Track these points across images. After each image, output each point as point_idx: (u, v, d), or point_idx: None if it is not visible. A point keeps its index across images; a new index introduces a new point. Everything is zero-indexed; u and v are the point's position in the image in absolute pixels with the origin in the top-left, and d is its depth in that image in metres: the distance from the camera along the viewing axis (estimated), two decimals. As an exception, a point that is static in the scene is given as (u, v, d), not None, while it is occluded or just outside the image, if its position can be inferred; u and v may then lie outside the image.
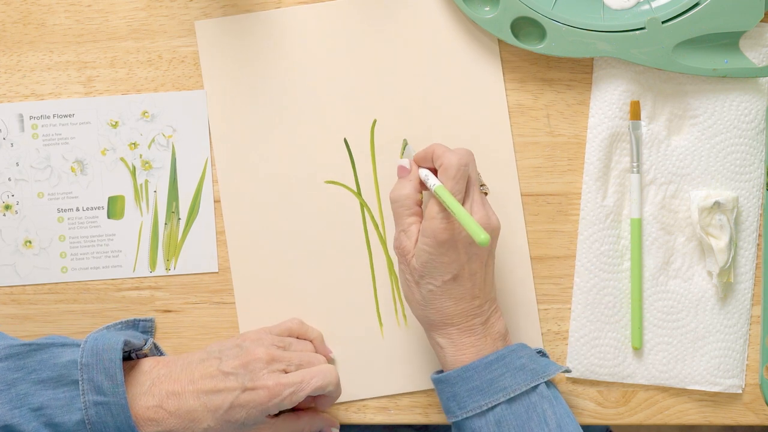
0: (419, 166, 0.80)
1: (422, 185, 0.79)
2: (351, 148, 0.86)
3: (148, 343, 0.80)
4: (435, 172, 0.78)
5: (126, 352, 0.77)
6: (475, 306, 0.76)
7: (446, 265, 0.75)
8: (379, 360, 0.86)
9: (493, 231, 0.76)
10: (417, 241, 0.76)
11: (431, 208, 0.75)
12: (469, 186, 0.77)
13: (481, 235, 0.70)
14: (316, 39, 0.85)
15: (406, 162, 0.80)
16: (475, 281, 0.76)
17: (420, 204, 0.79)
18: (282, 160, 0.86)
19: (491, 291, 0.78)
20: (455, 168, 0.76)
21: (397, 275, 0.78)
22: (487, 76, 0.85)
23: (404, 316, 0.86)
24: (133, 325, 0.85)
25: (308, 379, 0.76)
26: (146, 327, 0.85)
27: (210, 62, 0.86)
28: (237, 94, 0.86)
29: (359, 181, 0.86)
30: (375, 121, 0.86)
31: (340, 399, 0.84)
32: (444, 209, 0.74)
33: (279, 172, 0.86)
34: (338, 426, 0.84)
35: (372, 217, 0.86)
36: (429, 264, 0.75)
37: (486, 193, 0.80)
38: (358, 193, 0.86)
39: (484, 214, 0.76)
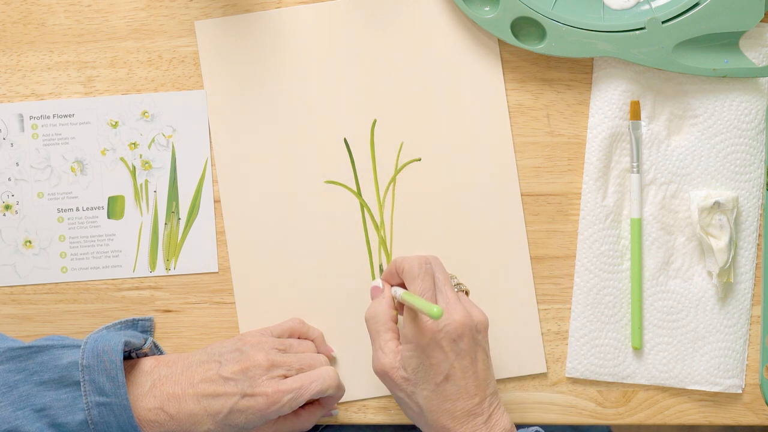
0: (390, 285, 0.80)
1: (399, 304, 0.79)
2: (351, 148, 0.86)
3: (147, 342, 0.80)
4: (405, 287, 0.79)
5: (126, 351, 0.77)
6: (474, 404, 0.74)
7: (436, 367, 0.73)
8: (379, 360, 0.86)
9: (478, 325, 0.75)
10: (397, 354, 0.75)
11: (406, 316, 0.75)
12: (438, 284, 0.76)
13: (433, 309, 0.69)
14: (316, 39, 0.85)
15: (378, 282, 0.81)
16: (468, 378, 0.74)
17: (395, 320, 0.78)
18: (282, 160, 0.86)
19: (489, 386, 0.75)
20: (416, 267, 0.76)
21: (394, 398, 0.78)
22: (487, 76, 0.85)
23: (404, 316, 0.86)
24: (132, 324, 0.85)
25: (307, 384, 0.77)
26: (145, 326, 0.85)
27: (210, 62, 0.86)
28: (237, 94, 0.86)
29: (359, 181, 0.86)
30: (375, 121, 0.86)
31: (341, 399, 0.84)
32: (417, 313, 0.74)
33: (279, 172, 0.86)
34: (337, 409, 0.85)
35: (372, 217, 0.86)
36: (419, 369, 0.74)
37: (466, 292, 0.80)
38: (358, 193, 0.86)
39: (461, 308, 0.74)
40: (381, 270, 0.85)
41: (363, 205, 0.86)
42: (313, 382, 0.77)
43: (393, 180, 0.86)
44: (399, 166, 0.86)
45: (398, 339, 0.77)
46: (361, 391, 0.85)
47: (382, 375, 0.76)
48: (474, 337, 0.74)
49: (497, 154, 0.85)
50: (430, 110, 0.85)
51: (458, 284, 0.80)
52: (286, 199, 0.86)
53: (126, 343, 0.76)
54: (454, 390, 0.74)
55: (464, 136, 0.85)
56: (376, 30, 0.85)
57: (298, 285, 0.86)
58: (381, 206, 0.86)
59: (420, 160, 0.85)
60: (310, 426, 0.81)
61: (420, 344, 0.74)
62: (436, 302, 0.75)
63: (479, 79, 0.85)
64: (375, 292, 0.81)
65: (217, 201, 0.86)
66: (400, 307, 0.79)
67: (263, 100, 0.86)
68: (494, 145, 0.85)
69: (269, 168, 0.86)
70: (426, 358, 0.74)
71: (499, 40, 0.85)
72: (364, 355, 0.85)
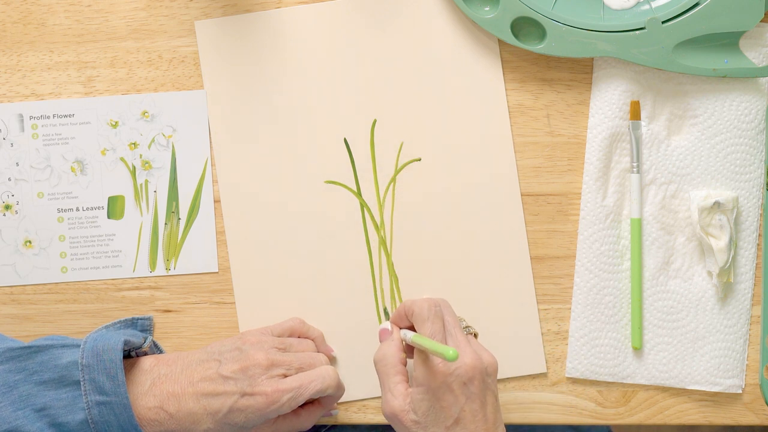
0: (399, 327, 0.80)
1: (407, 347, 0.79)
2: (351, 148, 0.86)
3: (147, 341, 0.80)
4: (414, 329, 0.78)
5: (126, 350, 0.77)
6: None
7: (446, 409, 0.73)
8: (379, 360, 0.86)
9: (488, 368, 0.75)
10: (407, 397, 0.75)
11: (416, 359, 0.75)
12: (447, 327, 0.76)
13: (449, 351, 0.68)
14: (316, 39, 0.85)
15: (387, 325, 0.81)
16: (477, 422, 0.74)
17: (404, 363, 0.78)
18: (282, 160, 0.86)
19: (498, 430, 0.75)
20: (426, 310, 0.76)
21: None
22: (487, 76, 0.85)
23: (404, 316, 0.86)
24: (132, 323, 0.85)
25: (307, 384, 0.76)
26: (145, 325, 0.85)
27: (210, 62, 0.86)
28: (237, 94, 0.86)
29: (359, 181, 0.86)
30: (375, 121, 0.86)
31: (341, 399, 0.84)
32: (428, 356, 0.74)
33: (279, 172, 0.86)
34: (337, 409, 0.85)
35: (372, 217, 0.86)
36: (430, 412, 0.73)
37: (475, 335, 0.80)
38: (358, 193, 0.86)
39: (471, 351, 0.74)
40: (386, 313, 0.85)
41: (363, 205, 0.86)
42: (312, 381, 0.77)
43: (393, 180, 0.86)
44: (399, 166, 0.86)
45: (407, 382, 0.77)
46: (361, 391, 0.85)
47: (392, 418, 0.76)
48: (484, 380, 0.74)
49: (497, 154, 0.85)
50: (430, 110, 0.85)
51: (467, 327, 0.80)
52: (286, 199, 0.86)
53: (125, 342, 0.76)
54: None
55: (464, 136, 0.85)
56: (376, 30, 0.85)
57: (298, 285, 0.86)
58: (381, 206, 0.86)
59: (420, 160, 0.85)
60: (309, 426, 0.81)
61: (431, 387, 0.73)
62: (446, 344, 0.75)
63: (479, 79, 0.85)
64: (384, 335, 0.81)
65: (217, 201, 0.86)
66: (408, 349, 0.79)
67: (263, 100, 0.86)
68: (494, 145, 0.85)
69: (269, 168, 0.86)
70: (436, 401, 0.73)
71: (499, 40, 0.85)
72: (364, 355, 0.85)
